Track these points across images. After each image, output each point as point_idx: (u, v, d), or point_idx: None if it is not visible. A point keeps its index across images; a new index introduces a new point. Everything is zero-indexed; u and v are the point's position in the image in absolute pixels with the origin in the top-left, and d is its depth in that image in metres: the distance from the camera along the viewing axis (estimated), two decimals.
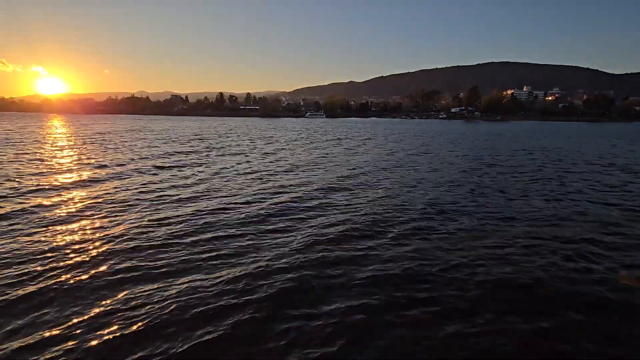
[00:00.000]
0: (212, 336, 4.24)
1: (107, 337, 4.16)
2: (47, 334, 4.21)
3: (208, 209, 9.44)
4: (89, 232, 7.56)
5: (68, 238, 7.18)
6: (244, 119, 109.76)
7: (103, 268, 5.91)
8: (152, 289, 5.26)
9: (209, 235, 7.48)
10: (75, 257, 6.30)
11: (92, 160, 17.96)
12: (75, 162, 17.38)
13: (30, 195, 10.69)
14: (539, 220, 8.92)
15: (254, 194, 11.22)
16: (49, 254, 6.37)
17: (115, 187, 11.92)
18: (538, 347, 4.18)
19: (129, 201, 10.12)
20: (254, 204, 10.03)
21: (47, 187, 11.77)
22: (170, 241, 7.09)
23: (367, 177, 14.61)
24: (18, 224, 8.01)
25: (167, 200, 10.28)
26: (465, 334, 4.37)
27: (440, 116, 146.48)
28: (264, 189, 12.01)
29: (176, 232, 7.60)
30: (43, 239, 7.12)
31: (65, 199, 10.24)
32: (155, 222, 8.23)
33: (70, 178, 13.35)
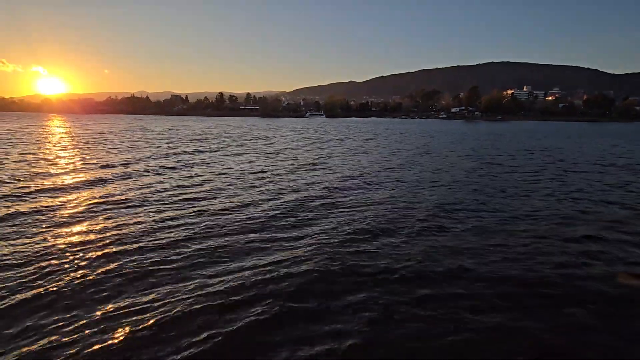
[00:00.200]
0: (220, 338, 4.19)
1: (113, 340, 4.12)
2: (52, 337, 4.16)
3: (213, 210, 9.39)
4: (92, 233, 7.51)
5: (72, 239, 7.14)
6: (244, 119, 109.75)
7: (107, 270, 5.82)
8: (159, 291, 5.21)
9: (215, 236, 7.42)
10: (79, 258, 6.24)
11: (95, 161, 17.95)
12: (78, 163, 17.38)
13: (34, 195, 10.67)
14: (541, 219, 8.95)
15: (260, 195, 11.16)
16: (53, 256, 6.30)
17: (119, 188, 11.89)
18: (537, 345, 4.20)
19: (133, 202, 10.08)
20: (259, 205, 9.98)
21: (50, 187, 11.76)
22: (176, 243, 7.02)
23: (372, 177, 14.59)
24: (22, 224, 7.98)
25: (172, 201, 10.24)
26: (475, 332, 4.39)
27: (440, 116, 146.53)
28: (269, 190, 11.96)
29: (181, 233, 7.54)
30: (46, 240, 7.07)
31: (69, 200, 10.23)
32: (160, 223, 8.18)
33: (73, 179, 13.35)
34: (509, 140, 36.12)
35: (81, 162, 17.34)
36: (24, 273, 5.68)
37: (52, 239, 7.11)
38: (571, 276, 5.87)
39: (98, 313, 4.65)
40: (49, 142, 27.80)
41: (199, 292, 5.13)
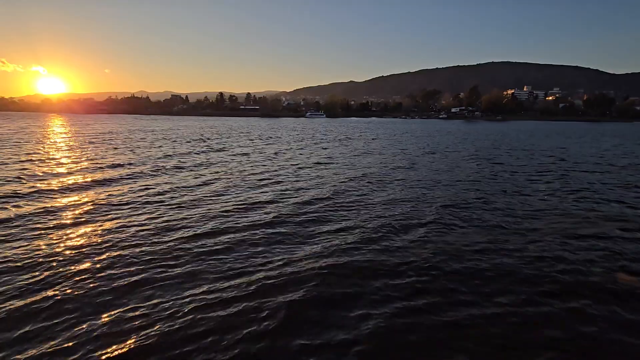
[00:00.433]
0: (226, 343, 4.13)
1: (116, 345, 4.04)
2: (55, 343, 4.09)
3: (217, 211, 9.23)
4: (95, 235, 7.40)
5: (75, 242, 7.05)
6: (244, 119, 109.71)
7: (110, 274, 5.73)
8: (164, 295, 5.14)
9: (219, 239, 7.27)
10: (81, 261, 6.13)
11: (97, 162, 17.88)
12: (80, 164, 17.32)
13: (36, 196, 10.62)
14: (544, 217, 8.94)
15: (265, 196, 11.02)
16: (55, 259, 6.19)
17: (122, 189, 11.84)
18: (537, 345, 4.21)
19: (135, 203, 9.97)
20: (265, 206, 9.86)
21: (53, 189, 11.69)
22: (181, 245, 6.89)
23: (378, 177, 14.46)
24: (24, 226, 7.91)
25: (175, 202, 10.10)
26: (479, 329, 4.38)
27: (441, 116, 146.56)
28: (274, 190, 11.83)
29: (185, 236, 7.41)
30: (49, 242, 6.97)
31: (71, 201, 10.15)
32: (164, 225, 8.08)
33: (75, 180, 13.27)
34: (510, 140, 36.09)
35: (83, 163, 17.27)
36: (26, 276, 5.59)
37: (55, 242, 7.03)
38: (572, 275, 5.87)
39: (101, 318, 4.57)
40: (50, 143, 27.75)
41: (204, 297, 5.06)
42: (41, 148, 23.51)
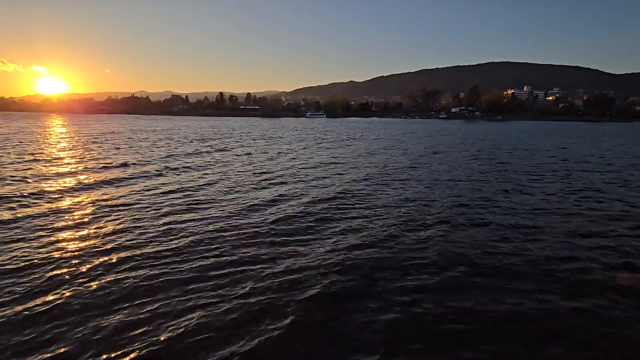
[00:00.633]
0: (233, 350, 4.07)
1: (120, 350, 4.00)
2: (57, 348, 4.04)
3: (221, 213, 9.07)
4: (98, 238, 7.26)
5: (78, 244, 6.88)
6: (245, 119, 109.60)
7: (116, 275, 5.65)
8: (170, 297, 5.09)
9: (224, 241, 7.17)
10: (84, 265, 6.04)
11: (99, 162, 17.89)
12: (82, 164, 17.34)
13: (39, 197, 10.62)
14: (548, 216, 9.02)
15: (270, 197, 10.88)
16: (57, 261, 6.12)
17: (124, 190, 11.83)
18: (536, 346, 4.24)
19: (138, 205, 9.86)
20: (270, 207, 9.78)
21: (56, 190, 11.70)
22: (185, 248, 6.77)
23: (384, 178, 14.44)
24: (27, 228, 7.81)
25: (179, 204, 10.01)
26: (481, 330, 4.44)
27: (441, 116, 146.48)
28: (281, 191, 11.69)
29: (189, 238, 7.29)
30: (51, 244, 6.78)
31: (73, 203, 10.08)
32: (168, 226, 7.98)
33: (78, 181, 13.27)
34: (511, 140, 36.12)
35: (85, 164, 17.29)
36: (29, 278, 5.52)
37: (58, 244, 6.91)
38: (569, 276, 5.92)
39: (106, 320, 4.53)
40: (52, 143, 27.78)
41: (209, 302, 4.99)
42: (43, 148, 23.54)
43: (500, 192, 12.12)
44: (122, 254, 6.46)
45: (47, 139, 30.42)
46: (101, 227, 7.92)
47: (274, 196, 10.97)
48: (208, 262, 6.22)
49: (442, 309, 4.90)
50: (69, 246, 6.83)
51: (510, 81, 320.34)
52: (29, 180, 12.83)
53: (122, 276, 5.67)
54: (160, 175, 14.48)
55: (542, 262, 6.39)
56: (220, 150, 24.58)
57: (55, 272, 5.75)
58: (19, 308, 4.77)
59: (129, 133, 39.65)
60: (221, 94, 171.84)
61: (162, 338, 4.21)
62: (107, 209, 9.33)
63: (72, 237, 7.35)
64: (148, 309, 4.82)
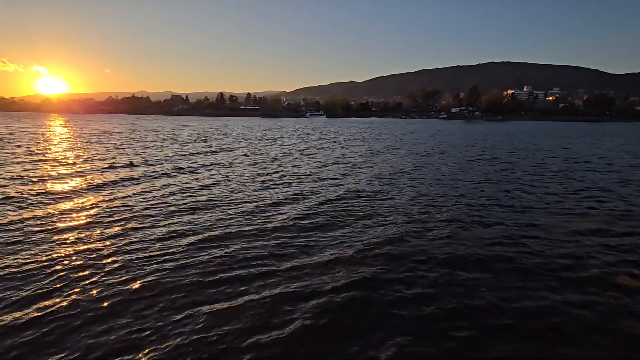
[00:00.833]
0: (241, 349, 4.07)
1: (127, 356, 3.94)
2: (63, 352, 4.01)
3: (226, 216, 8.93)
4: (103, 239, 7.14)
5: (81, 247, 6.81)
6: (245, 119, 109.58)
7: (122, 280, 5.55)
8: (174, 302, 5.00)
9: (230, 245, 7.05)
10: (87, 269, 5.92)
11: (101, 163, 17.85)
12: (84, 165, 17.34)
13: (42, 198, 10.59)
14: (551, 215, 9.08)
15: (279, 199, 10.71)
16: (60, 266, 6.00)
17: (127, 192, 11.77)
18: (536, 347, 4.27)
19: (142, 207, 9.67)
20: (281, 208, 9.67)
21: (58, 190, 11.70)
22: (190, 252, 6.62)
23: (390, 179, 14.39)
24: (29, 230, 7.72)
25: (182, 206, 9.83)
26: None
27: (441, 116, 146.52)
28: (288, 193, 11.56)
29: (193, 241, 7.17)
30: (54, 248, 6.74)
31: (76, 205, 9.89)
32: (175, 229, 7.84)
33: (80, 182, 13.23)
34: (512, 140, 36.15)
35: (89, 164, 17.29)
36: (32, 282, 5.45)
37: (63, 246, 6.81)
38: (570, 276, 5.97)
39: (110, 326, 4.45)
40: (55, 143, 27.79)
41: (215, 304, 4.94)
42: (47, 149, 23.55)
43: (504, 192, 12.16)
44: (128, 256, 6.39)
45: (50, 140, 30.42)
46: (107, 228, 7.88)
47: (280, 198, 10.92)
48: (214, 264, 6.14)
49: (452, 309, 4.95)
50: (74, 248, 6.76)
51: (510, 81, 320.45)
52: (34, 181, 12.84)
53: (127, 277, 5.62)
54: (165, 176, 14.47)
55: (549, 261, 6.44)
56: (224, 150, 24.56)
57: (60, 275, 5.69)
58: (24, 310, 4.73)
59: (131, 133, 39.65)
60: (221, 94, 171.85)
61: (170, 341, 4.18)
62: (112, 210, 9.30)
63: (78, 238, 7.28)
64: (155, 310, 4.78)
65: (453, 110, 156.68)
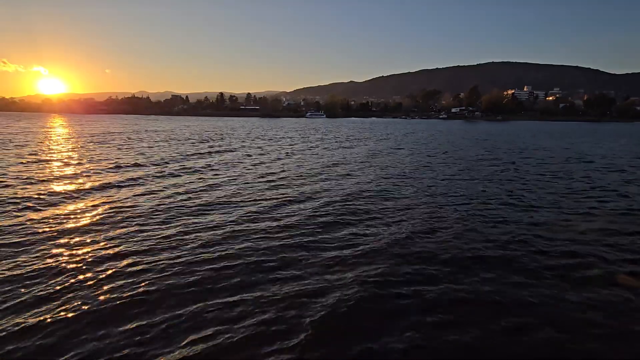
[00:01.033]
0: (247, 356, 4.03)
1: None
2: (67, 356, 3.98)
3: (231, 217, 8.85)
4: (108, 242, 7.14)
5: (83, 249, 6.76)
6: (245, 119, 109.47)
7: (127, 283, 5.49)
8: (180, 306, 4.94)
9: (241, 245, 7.00)
10: (89, 272, 5.85)
11: (103, 164, 17.84)
12: (85, 166, 17.30)
13: (45, 200, 10.57)
14: (552, 214, 9.16)
15: (280, 200, 10.65)
16: (69, 267, 5.98)
17: (130, 193, 11.65)
18: (536, 347, 4.32)
19: (145, 209, 9.56)
20: (287, 209, 9.64)
21: (61, 191, 11.65)
22: (195, 255, 6.52)
23: (395, 179, 14.36)
24: (31, 232, 7.64)
25: (185, 207, 9.74)
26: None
27: (441, 116, 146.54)
28: (294, 193, 11.48)
29: (197, 244, 7.07)
30: (64, 249, 6.73)
31: (79, 207, 9.75)
32: (180, 231, 7.78)
33: (82, 184, 13.16)
34: (513, 140, 36.22)
35: (92, 165, 17.28)
36: (36, 286, 5.39)
37: (67, 248, 6.82)
38: (569, 276, 6.03)
39: (116, 330, 4.41)
40: (57, 143, 27.80)
41: (222, 308, 4.90)
42: (50, 149, 23.57)
43: (507, 191, 12.25)
44: (133, 259, 6.34)
45: (52, 140, 30.44)
46: (111, 230, 7.80)
47: (285, 198, 10.93)
48: (220, 266, 6.12)
49: (458, 308, 5.04)
50: (78, 250, 6.70)
51: (510, 81, 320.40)
52: (40, 182, 12.86)
53: (133, 280, 5.59)
54: (170, 176, 14.49)
55: (554, 262, 6.52)
56: (227, 150, 24.56)
57: (64, 278, 5.64)
58: (29, 312, 4.72)
59: (133, 133, 39.67)
60: (221, 94, 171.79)
61: (176, 343, 4.16)
62: (117, 211, 9.27)
63: (82, 240, 7.21)
64: (160, 312, 4.78)
65: (453, 110, 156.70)
